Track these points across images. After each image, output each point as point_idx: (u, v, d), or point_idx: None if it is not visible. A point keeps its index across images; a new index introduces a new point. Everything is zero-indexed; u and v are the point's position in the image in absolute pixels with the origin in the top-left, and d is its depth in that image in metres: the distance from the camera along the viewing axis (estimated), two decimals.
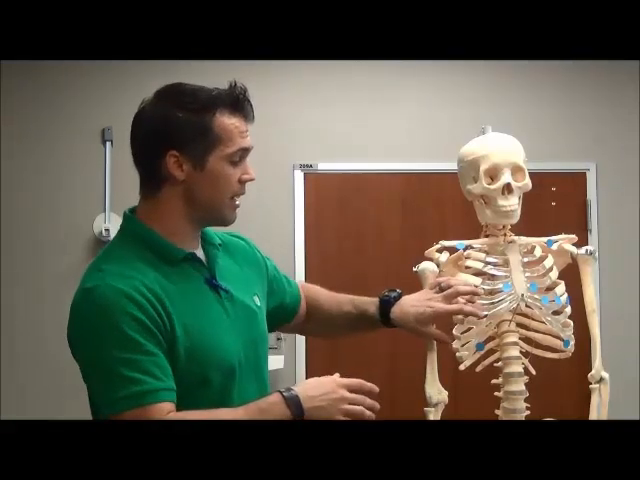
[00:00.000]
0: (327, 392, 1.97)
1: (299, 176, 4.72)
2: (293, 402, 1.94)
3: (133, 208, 2.19)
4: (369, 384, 2.02)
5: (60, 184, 4.67)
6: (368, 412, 1.98)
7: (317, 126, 4.70)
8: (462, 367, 2.40)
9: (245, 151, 2.08)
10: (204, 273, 2.10)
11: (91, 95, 4.72)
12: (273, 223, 4.52)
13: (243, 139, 2.07)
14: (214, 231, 2.24)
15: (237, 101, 2.08)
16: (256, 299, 2.21)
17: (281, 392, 1.96)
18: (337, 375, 2.02)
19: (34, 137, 4.68)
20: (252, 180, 2.10)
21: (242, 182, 2.09)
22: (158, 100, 2.13)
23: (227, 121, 2.06)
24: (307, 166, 4.73)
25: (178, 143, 2.05)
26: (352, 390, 1.98)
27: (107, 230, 4.60)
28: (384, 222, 4.73)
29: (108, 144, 4.68)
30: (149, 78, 4.73)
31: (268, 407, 1.94)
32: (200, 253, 2.14)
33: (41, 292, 4.62)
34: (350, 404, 1.97)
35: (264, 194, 4.31)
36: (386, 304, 2.36)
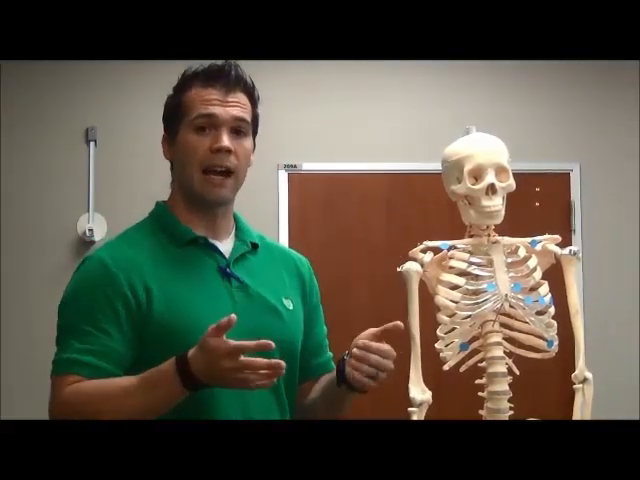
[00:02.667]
0: (214, 364, 1.80)
1: (283, 176, 4.72)
2: (183, 373, 1.82)
3: None
4: (253, 343, 1.80)
5: (43, 184, 4.65)
6: (254, 377, 1.79)
7: (301, 126, 4.70)
8: (446, 367, 2.40)
9: (207, 117, 2.06)
10: (219, 261, 2.09)
11: (75, 95, 4.70)
12: (257, 223, 4.44)
13: (204, 106, 2.06)
14: (263, 236, 2.28)
15: (207, 73, 2.10)
16: (287, 302, 2.17)
17: (177, 358, 1.85)
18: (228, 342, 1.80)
19: (17, 136, 4.66)
20: (221, 148, 2.04)
21: (213, 151, 2.05)
22: None
23: (194, 93, 2.09)
24: (291, 166, 4.73)
25: (164, 124, 2.17)
26: (235, 356, 1.79)
27: (91, 230, 4.58)
28: (368, 222, 4.73)
29: (92, 144, 4.66)
30: (133, 78, 4.74)
31: (160, 377, 1.86)
32: (229, 245, 2.14)
33: (25, 292, 4.61)
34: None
35: (248, 194, 4.25)
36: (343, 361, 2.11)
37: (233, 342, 1.78)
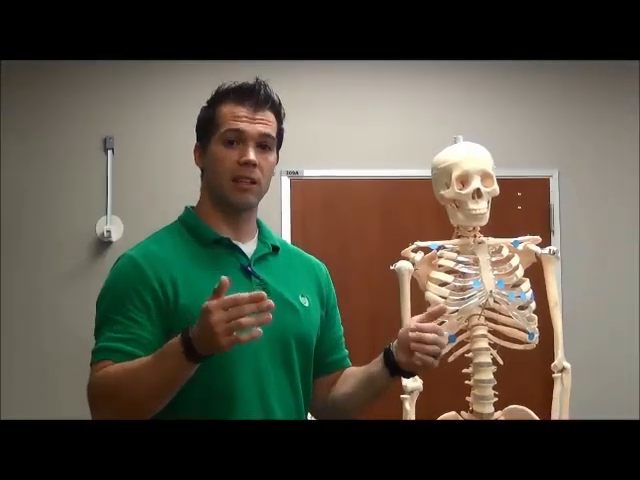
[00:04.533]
0: (205, 322, 1.78)
1: (286, 182, 4.72)
2: (185, 343, 1.82)
3: None
4: (246, 295, 1.77)
5: (65, 190, 4.65)
6: (245, 320, 1.76)
7: (303, 135, 4.70)
8: None
9: (236, 132, 2.07)
10: (241, 260, 2.10)
11: (94, 107, 4.70)
12: None
13: (234, 121, 2.08)
14: (286, 242, 2.28)
15: (239, 91, 2.11)
16: (303, 300, 2.15)
17: (181, 336, 1.84)
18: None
19: (41, 147, 4.66)
20: (248, 162, 2.06)
21: (240, 164, 2.07)
22: None
23: (226, 109, 2.10)
24: (293, 172, 4.72)
25: (197, 135, 2.16)
26: (227, 307, 1.77)
27: (109, 232, 4.58)
28: (365, 224, 4.72)
29: (110, 152, 4.67)
30: (148, 89, 4.74)
31: (169, 349, 1.85)
32: (251, 247, 2.14)
33: (45, 292, 4.60)
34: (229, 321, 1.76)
35: None
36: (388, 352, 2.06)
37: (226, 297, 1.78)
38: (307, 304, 2.15)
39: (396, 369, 2.03)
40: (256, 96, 2.10)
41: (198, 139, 2.16)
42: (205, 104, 2.17)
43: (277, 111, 2.16)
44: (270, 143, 2.12)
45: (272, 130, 2.12)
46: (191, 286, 2.01)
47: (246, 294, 1.79)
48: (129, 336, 1.96)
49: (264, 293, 1.80)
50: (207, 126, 2.12)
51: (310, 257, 2.30)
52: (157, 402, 1.91)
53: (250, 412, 2.00)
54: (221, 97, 2.12)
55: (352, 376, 2.19)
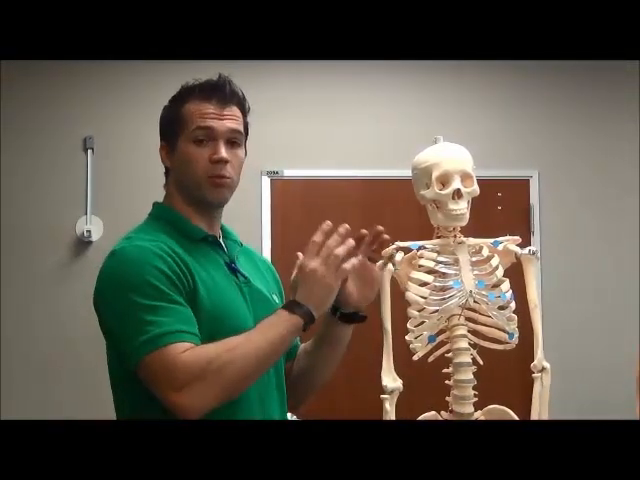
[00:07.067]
0: (308, 274, 1.93)
1: (266, 182, 4.72)
2: (300, 310, 1.91)
3: None
4: (321, 233, 1.96)
5: (44, 189, 4.63)
6: (339, 250, 1.93)
7: (283, 136, 4.70)
8: (416, 357, 2.40)
9: (205, 130, 2.06)
10: (224, 257, 2.10)
11: (74, 107, 4.69)
12: (242, 226, 4.42)
13: (202, 119, 2.06)
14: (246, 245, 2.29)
15: (204, 88, 2.09)
16: (275, 297, 2.18)
17: (283, 307, 1.95)
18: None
19: (21, 146, 4.64)
20: (220, 159, 2.05)
21: (212, 162, 2.05)
22: None
23: (192, 107, 2.08)
24: (274, 172, 4.73)
25: (162, 134, 2.15)
26: (317, 252, 1.93)
27: (89, 231, 4.57)
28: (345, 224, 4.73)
29: (89, 152, 4.65)
30: (128, 89, 4.73)
31: (274, 320, 1.92)
32: (223, 244, 2.15)
33: (26, 291, 4.58)
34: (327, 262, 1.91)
35: (234, 198, 4.24)
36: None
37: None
38: (278, 301, 2.19)
39: (334, 310, 2.13)
40: (222, 92, 2.09)
41: (163, 138, 2.14)
42: (167, 103, 2.16)
43: (243, 105, 2.15)
44: (239, 139, 2.12)
45: (240, 125, 2.12)
46: (201, 277, 1.99)
47: (319, 233, 1.94)
48: (183, 317, 1.90)
49: (330, 223, 1.96)
50: (173, 125, 2.09)
51: (263, 257, 2.34)
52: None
53: (251, 413, 2.00)
54: (186, 94, 2.11)
55: (304, 348, 2.26)
